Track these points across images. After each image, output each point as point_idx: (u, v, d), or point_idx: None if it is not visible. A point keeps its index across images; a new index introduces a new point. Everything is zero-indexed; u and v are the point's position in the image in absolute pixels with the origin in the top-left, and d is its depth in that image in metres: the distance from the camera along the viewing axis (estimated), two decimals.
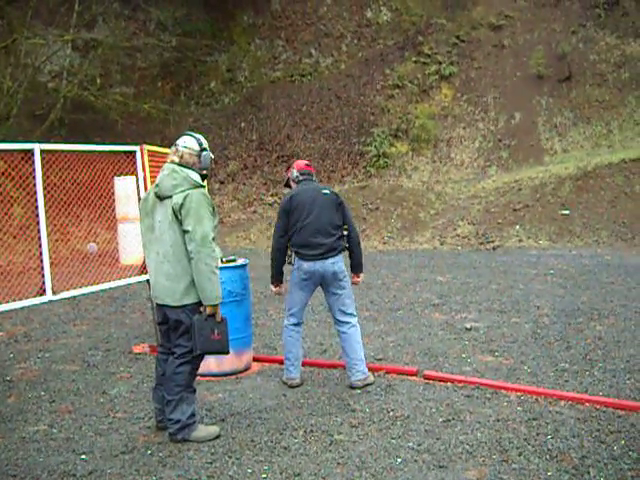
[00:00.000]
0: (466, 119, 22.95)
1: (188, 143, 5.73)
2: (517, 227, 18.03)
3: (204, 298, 5.48)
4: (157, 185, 5.66)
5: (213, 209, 5.62)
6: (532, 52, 23.34)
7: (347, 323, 6.99)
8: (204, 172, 5.80)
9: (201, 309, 5.57)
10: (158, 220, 5.65)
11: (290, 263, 7.02)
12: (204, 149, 5.76)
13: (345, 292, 6.99)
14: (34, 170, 7.06)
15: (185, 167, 5.63)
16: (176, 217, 5.48)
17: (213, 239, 5.48)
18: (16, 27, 22.40)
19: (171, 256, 5.56)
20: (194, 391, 5.79)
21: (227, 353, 5.81)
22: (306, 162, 7.29)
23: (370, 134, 22.94)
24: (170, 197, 5.51)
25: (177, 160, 5.67)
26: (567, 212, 17.88)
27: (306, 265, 6.84)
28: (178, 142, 5.77)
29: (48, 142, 8.32)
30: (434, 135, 22.70)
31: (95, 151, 8.40)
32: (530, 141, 21.63)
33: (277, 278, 7.18)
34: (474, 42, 24.50)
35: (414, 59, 24.66)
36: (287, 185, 7.29)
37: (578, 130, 21.36)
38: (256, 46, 27.71)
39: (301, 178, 7.12)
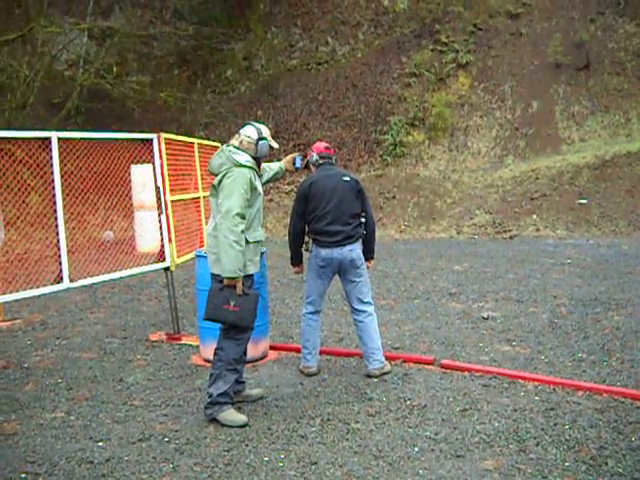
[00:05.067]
0: (483, 107, 22.82)
1: (248, 132, 6.07)
2: (534, 216, 17.95)
3: (221, 269, 5.74)
4: (209, 163, 6.09)
5: (253, 189, 5.86)
6: (550, 40, 23.14)
7: (364, 312, 6.97)
8: (259, 158, 6.11)
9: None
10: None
11: (307, 250, 7.00)
12: (262, 138, 6.05)
13: (362, 280, 6.97)
14: (51, 158, 7.06)
15: (239, 149, 5.96)
16: (216, 192, 5.87)
17: (242, 217, 5.69)
18: (33, 16, 22.42)
19: (210, 228, 5.99)
20: (235, 371, 5.95)
21: (247, 327, 5.91)
22: (326, 145, 7.18)
23: (387, 123, 22.85)
24: (217, 175, 5.86)
25: (236, 144, 6.02)
26: (585, 201, 17.79)
27: (324, 252, 6.81)
28: (241, 130, 6.12)
29: (65, 130, 8.31)
30: (451, 124, 22.58)
31: (112, 139, 8.39)
32: (547, 130, 21.48)
33: (296, 259, 7.18)
34: (491, 30, 24.32)
35: (431, 47, 24.50)
36: (306, 167, 7.22)
37: (596, 119, 21.20)
38: (272, 34, 27.62)
39: (321, 162, 7.05)
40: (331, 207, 6.78)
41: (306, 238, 7.00)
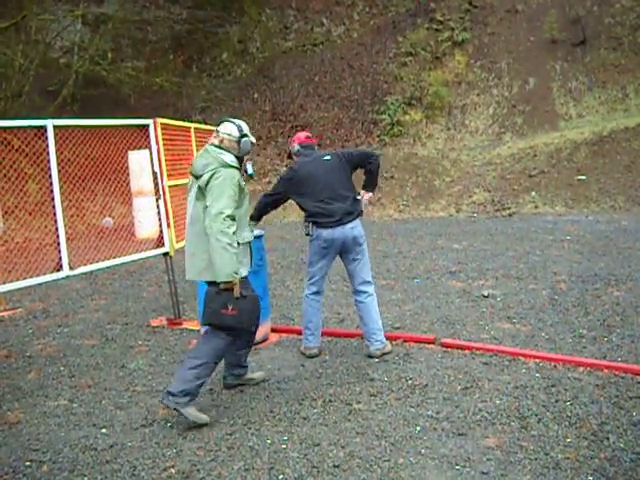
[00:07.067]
0: (480, 85, 22.76)
1: (228, 129, 5.83)
2: (533, 193, 17.93)
3: (215, 273, 5.49)
4: (192, 164, 5.82)
5: (241, 190, 5.68)
6: (546, 16, 23.02)
7: (365, 292, 6.99)
8: (241, 156, 5.91)
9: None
10: (190, 198, 5.81)
11: (308, 234, 6.96)
12: (244, 135, 5.85)
13: (365, 258, 6.98)
14: (47, 146, 7.05)
15: (222, 148, 5.76)
16: (202, 194, 5.59)
17: (232, 218, 5.45)
18: (26, 3, 22.29)
19: (191, 232, 5.74)
20: (213, 368, 5.71)
21: (246, 330, 5.81)
22: (307, 134, 7.19)
23: (383, 102, 22.80)
24: (201, 176, 5.60)
25: (217, 143, 5.80)
26: (583, 178, 17.76)
27: (325, 233, 6.79)
28: (219, 128, 5.88)
29: (61, 118, 8.30)
30: (448, 102, 22.53)
31: (108, 125, 8.37)
32: (545, 107, 21.43)
33: (256, 217, 7.13)
34: (487, 7, 24.22)
35: (426, 26, 24.41)
36: (290, 157, 7.23)
37: (593, 95, 21.14)
38: (267, 16, 27.50)
39: (302, 151, 7.07)
40: (322, 186, 6.76)
41: (305, 223, 6.98)
